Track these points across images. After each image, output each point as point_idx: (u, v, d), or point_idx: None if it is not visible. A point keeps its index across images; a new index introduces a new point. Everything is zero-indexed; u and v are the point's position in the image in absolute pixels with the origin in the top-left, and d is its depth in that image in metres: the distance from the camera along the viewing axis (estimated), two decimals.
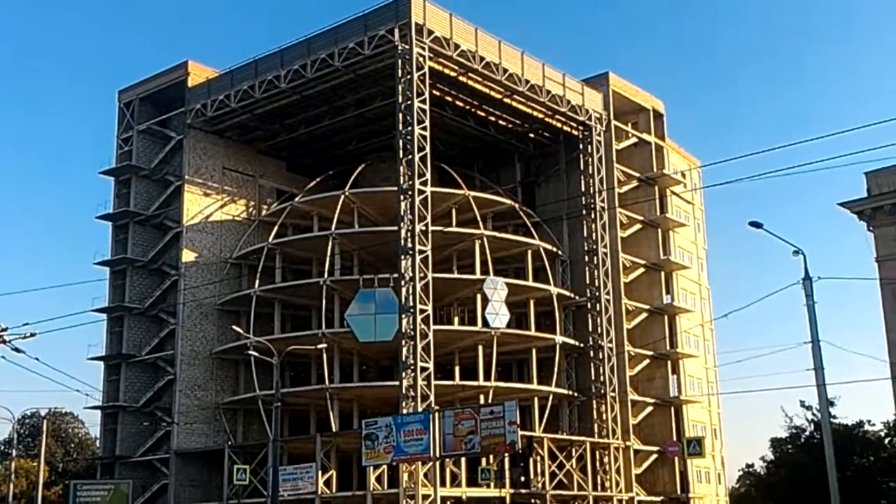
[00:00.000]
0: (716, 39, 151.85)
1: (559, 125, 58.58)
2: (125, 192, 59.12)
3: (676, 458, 52.90)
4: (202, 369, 55.77)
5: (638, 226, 60.98)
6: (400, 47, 48.54)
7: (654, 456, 57.16)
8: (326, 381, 51.37)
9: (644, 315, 59.96)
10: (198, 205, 57.56)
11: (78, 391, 42.13)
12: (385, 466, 45.78)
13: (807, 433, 46.04)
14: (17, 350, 21.98)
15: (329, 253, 53.27)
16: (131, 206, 58.12)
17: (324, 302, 51.81)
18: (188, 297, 55.11)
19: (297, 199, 58.09)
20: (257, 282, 55.03)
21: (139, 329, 57.50)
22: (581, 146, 58.90)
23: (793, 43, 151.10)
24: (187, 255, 56.38)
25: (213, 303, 56.51)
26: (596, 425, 55.12)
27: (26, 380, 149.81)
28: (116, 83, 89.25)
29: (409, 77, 48.35)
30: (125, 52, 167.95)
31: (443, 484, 45.42)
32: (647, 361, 59.31)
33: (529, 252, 56.27)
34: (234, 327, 48.98)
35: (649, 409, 58.49)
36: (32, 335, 22.04)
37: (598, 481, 53.59)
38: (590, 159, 58.12)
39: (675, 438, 55.40)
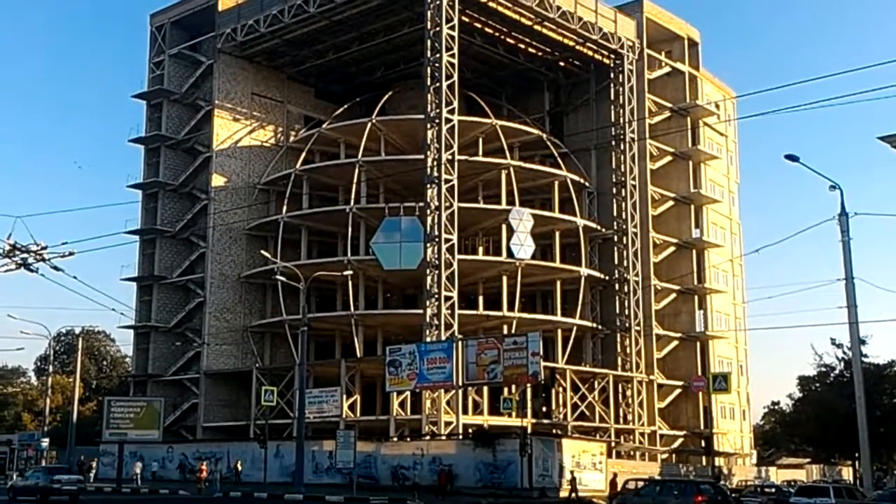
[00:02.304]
0: None
1: (590, 53, 57.30)
2: (157, 116, 59.36)
3: (701, 394, 52.85)
4: (231, 292, 56.74)
5: (668, 158, 60.01)
6: None
7: (678, 391, 57.43)
8: (351, 308, 52.05)
9: (672, 249, 59.50)
10: (227, 130, 57.69)
11: (114, 310, 43.29)
12: (408, 393, 46.66)
13: (836, 371, 46.06)
14: (55, 268, 22.30)
15: (356, 180, 53.32)
16: (163, 130, 58.41)
17: (350, 229, 52.10)
18: (218, 221, 55.74)
19: (324, 125, 57.91)
20: (285, 207, 55.40)
21: (170, 251, 58.44)
22: (612, 75, 57.69)
23: None
24: (217, 180, 56.80)
25: (242, 227, 57.12)
26: (619, 358, 55.37)
27: (60, 298, 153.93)
28: (149, 7, 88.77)
29: (437, 3, 47.43)
30: None
31: (465, 412, 46.21)
32: (673, 296, 59.10)
33: (556, 183, 55.77)
34: (262, 252, 49.59)
35: (674, 343, 58.53)
36: (71, 254, 22.41)
37: (621, 414, 54.11)
38: (621, 89, 56.97)
39: (700, 374, 55.44)
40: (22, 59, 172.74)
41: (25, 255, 21.71)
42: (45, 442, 50.31)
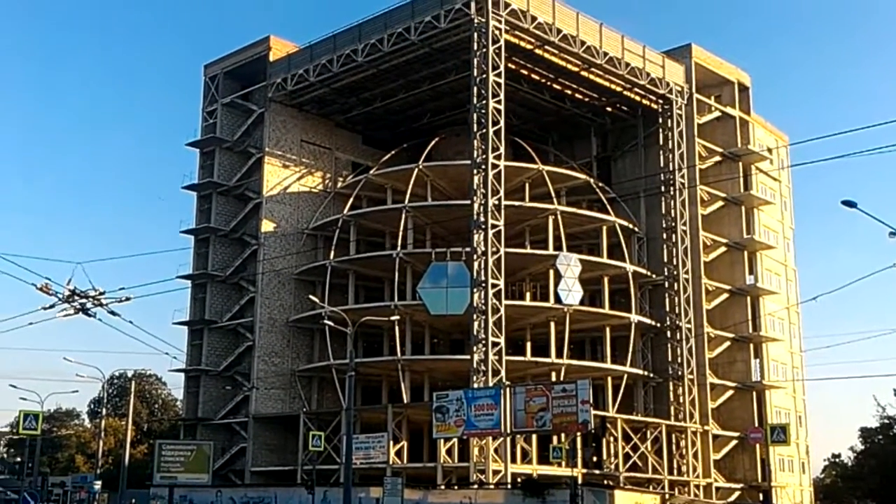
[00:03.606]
0: (804, 8, 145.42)
1: (638, 98, 57.16)
2: (209, 163, 60.58)
3: (758, 445, 51.56)
4: (279, 336, 57.11)
5: (720, 203, 59.20)
6: (476, 21, 48.09)
7: (734, 442, 55.86)
8: (398, 353, 51.92)
9: (725, 296, 58.34)
10: (277, 176, 58.62)
11: (167, 354, 43.65)
12: (455, 440, 46.08)
13: None
14: (112, 313, 22.70)
15: (402, 226, 53.58)
16: (215, 177, 59.54)
17: (396, 274, 52.20)
18: (267, 267, 56.40)
19: (371, 171, 58.52)
20: (332, 253, 55.83)
21: (221, 296, 59.16)
22: (661, 120, 57.41)
23: (887, 10, 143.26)
24: (266, 226, 57.58)
25: (291, 272, 57.65)
26: (672, 408, 54.11)
27: (113, 342, 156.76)
28: (202, 58, 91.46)
29: (484, 50, 47.94)
30: (211, 28, 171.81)
31: (513, 460, 45.46)
32: (727, 344, 57.79)
33: (604, 228, 55.32)
34: (311, 297, 49.90)
35: (729, 393, 57.06)
36: (128, 299, 22.82)
37: (675, 465, 52.71)
38: (670, 134, 56.61)
39: (756, 424, 53.96)
40: (81, 107, 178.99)
41: (84, 301, 22.05)
42: (98, 485, 50.76)
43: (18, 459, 71.77)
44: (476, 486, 42.72)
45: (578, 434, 42.00)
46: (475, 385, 45.37)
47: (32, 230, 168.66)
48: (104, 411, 59.15)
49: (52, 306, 21.76)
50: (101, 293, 22.21)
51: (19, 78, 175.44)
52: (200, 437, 55.97)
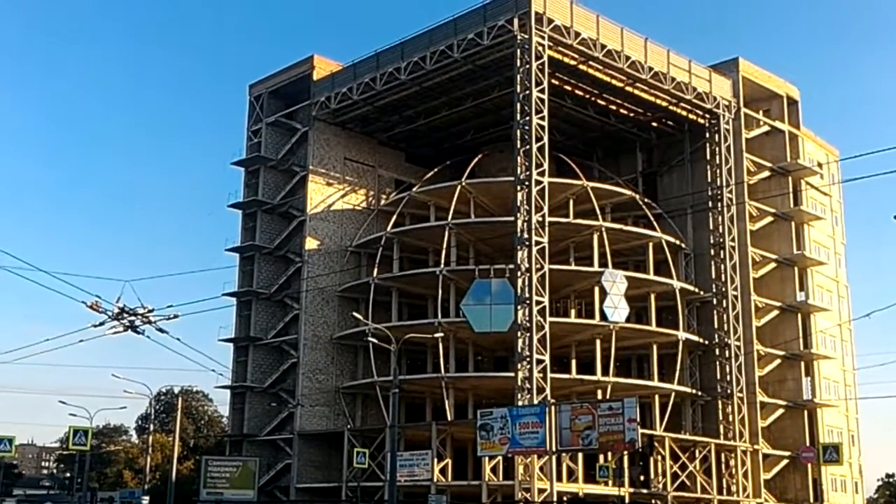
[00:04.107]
0: (856, 21, 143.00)
1: (684, 113, 56.53)
2: (254, 182, 61.20)
3: (810, 465, 50.47)
4: (323, 353, 57.26)
5: (769, 218, 58.16)
6: (519, 37, 48.03)
7: (785, 461, 54.64)
8: (442, 370, 51.69)
9: (775, 313, 57.20)
10: (321, 194, 59.00)
11: (213, 371, 44.08)
12: (500, 458, 45.66)
13: None
14: (161, 330, 23.00)
15: (445, 243, 53.49)
16: (259, 195, 60.12)
17: (440, 291, 52.09)
18: (311, 284, 56.65)
19: (414, 189, 58.62)
20: (376, 270, 55.93)
21: (266, 313, 59.56)
22: (708, 135, 56.69)
23: None
24: (310, 243, 57.91)
25: (334, 289, 57.85)
26: (721, 426, 53.12)
27: (160, 358, 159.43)
28: (248, 78, 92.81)
29: (527, 67, 47.81)
30: (255, 48, 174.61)
31: (559, 479, 44.88)
32: (777, 361, 56.58)
33: (650, 244, 54.65)
34: (354, 314, 49.97)
35: (780, 411, 55.86)
36: (175, 316, 22.98)
37: (724, 485, 51.62)
38: (717, 148, 55.85)
39: (808, 443, 52.81)
40: (129, 126, 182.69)
41: (133, 318, 22.23)
42: (146, 500, 51.18)
43: (68, 474, 72.98)
44: None
45: (625, 452, 41.29)
46: (519, 403, 44.95)
47: (82, 249, 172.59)
48: (151, 427, 59.82)
49: (101, 323, 22.00)
50: (149, 310, 22.40)
51: (64, 99, 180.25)
52: (246, 454, 56.26)
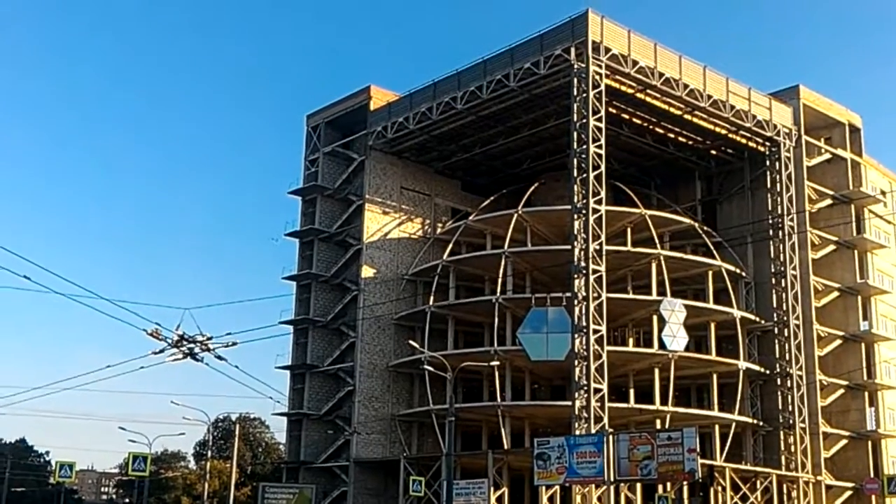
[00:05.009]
0: None
1: (744, 141, 56.07)
2: (311, 210, 62.14)
3: (874, 497, 49.13)
4: (379, 381, 57.50)
5: (831, 247, 57.12)
6: (576, 66, 48.30)
7: (849, 493, 53.21)
8: (498, 399, 51.54)
9: (838, 342, 55.94)
10: (377, 223, 59.62)
11: (270, 398, 44.44)
12: (557, 487, 45.19)
13: None
14: (219, 358, 22.96)
15: (502, 271, 53.56)
16: (316, 224, 60.99)
17: (496, 319, 52.07)
18: (367, 312, 57.04)
19: (470, 217, 58.92)
20: (432, 298, 56.17)
21: (322, 341, 60.13)
22: (768, 163, 56.10)
23: None
24: (367, 272, 58.45)
25: (391, 317, 58.18)
26: (783, 457, 51.99)
27: (217, 385, 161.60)
28: (305, 109, 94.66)
29: (584, 95, 48.00)
30: (313, 79, 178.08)
31: None
32: (841, 392, 55.27)
33: (710, 273, 54.03)
34: (410, 342, 50.18)
35: (843, 442, 54.48)
36: (234, 344, 22.99)
37: None
38: (778, 176, 55.21)
39: (872, 474, 51.45)
40: (189, 156, 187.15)
41: (192, 345, 22.44)
42: None
43: (127, 500, 74.07)
44: None
45: (685, 483, 40.54)
46: (577, 432, 44.55)
47: (140, 278, 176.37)
48: (209, 454, 60.56)
49: (161, 351, 22.07)
50: (208, 338, 22.47)
51: (122, 126, 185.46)
52: (302, 481, 56.57)
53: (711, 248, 55.18)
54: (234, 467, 50.12)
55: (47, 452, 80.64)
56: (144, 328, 21.33)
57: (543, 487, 44.97)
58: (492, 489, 47.09)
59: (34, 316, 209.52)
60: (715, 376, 52.43)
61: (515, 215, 55.08)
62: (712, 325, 53.13)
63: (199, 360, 22.78)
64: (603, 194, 48.29)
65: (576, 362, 46.11)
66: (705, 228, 56.69)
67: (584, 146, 47.71)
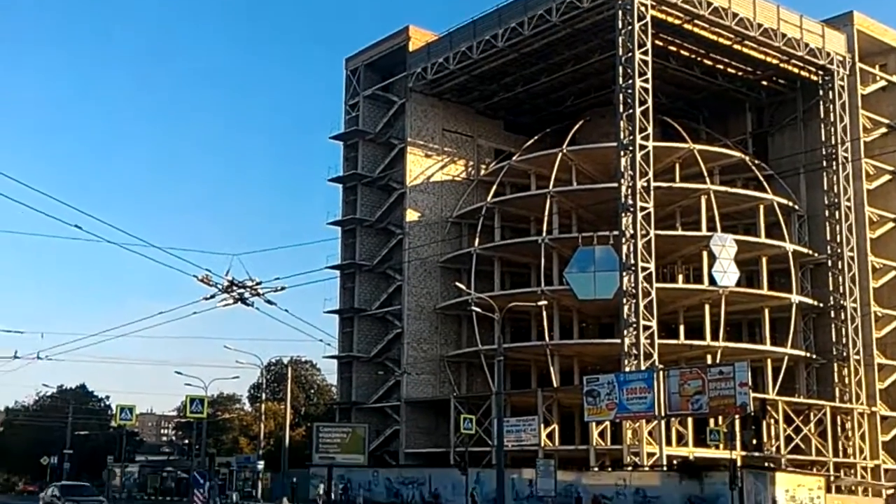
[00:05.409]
0: None
1: (795, 71, 54.40)
2: (353, 155, 62.11)
3: None
4: (427, 323, 58.03)
5: (887, 177, 55.65)
6: None
7: None
8: (546, 338, 51.72)
9: (893, 273, 54.89)
10: (420, 166, 59.45)
11: (321, 341, 45.19)
12: (608, 423, 45.58)
13: None
14: (269, 302, 23.16)
15: (547, 211, 53.23)
16: (359, 168, 60.99)
17: (543, 259, 51.98)
18: (412, 255, 57.32)
19: (514, 158, 58.42)
20: (477, 240, 56.16)
21: (369, 284, 60.70)
22: (821, 92, 54.44)
23: None
24: (411, 215, 58.54)
25: (436, 260, 58.40)
26: (837, 389, 51.59)
27: (267, 330, 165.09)
28: (343, 52, 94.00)
29: (629, 28, 46.85)
30: (350, 21, 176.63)
31: (668, 443, 44.62)
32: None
33: (761, 207, 53.10)
34: (457, 284, 50.42)
35: None
36: (283, 289, 23.20)
37: (840, 448, 50.32)
38: (831, 106, 53.62)
39: None
40: (229, 105, 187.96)
41: (242, 290, 22.62)
42: (261, 465, 53.23)
43: (186, 441, 76.41)
44: (630, 468, 42.14)
45: (737, 417, 40.62)
46: (626, 369, 44.68)
47: (188, 225, 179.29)
48: (263, 396, 62.04)
49: (212, 296, 22.26)
50: (257, 283, 22.67)
51: (167, 80, 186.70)
52: (355, 421, 57.72)
53: (763, 181, 54.09)
54: (287, 409, 51.29)
55: (107, 397, 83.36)
56: (195, 274, 21.47)
57: (594, 423, 45.47)
58: (542, 426, 47.60)
59: (86, 265, 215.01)
60: (767, 311, 51.93)
61: (560, 154, 54.46)
62: (764, 260, 52.38)
63: (249, 305, 23.06)
64: (650, 129, 47.46)
65: (624, 300, 45.97)
66: (756, 161, 55.51)
67: (630, 81, 46.74)
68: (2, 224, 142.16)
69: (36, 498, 60.89)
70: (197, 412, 44.98)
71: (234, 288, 22.53)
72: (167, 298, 67.82)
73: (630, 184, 46.49)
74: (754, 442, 46.28)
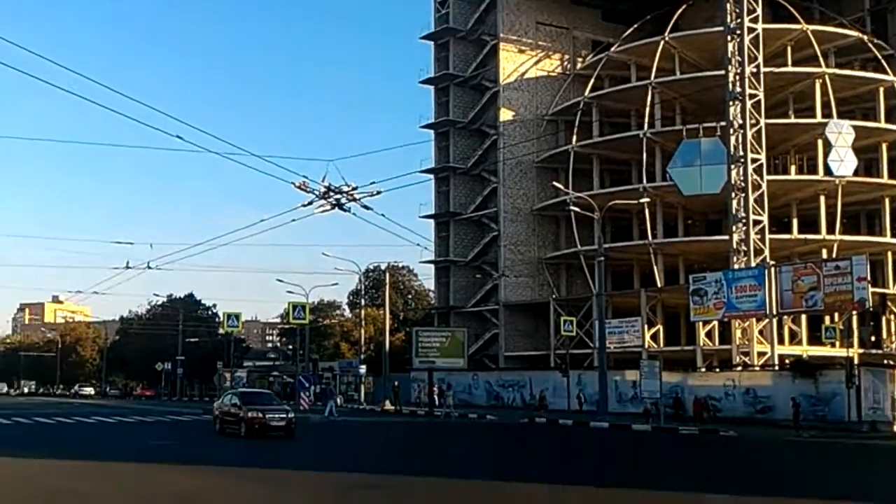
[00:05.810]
0: None
1: None
2: (444, 55, 60.58)
3: None
4: (524, 225, 57.16)
5: None
6: None
7: None
8: (649, 237, 50.16)
9: None
10: (513, 63, 57.53)
11: (418, 245, 45.08)
12: (715, 322, 44.26)
13: None
14: (366, 207, 22.92)
15: (649, 103, 50.93)
16: (450, 68, 59.52)
17: (644, 155, 50.06)
18: (507, 156, 56.14)
19: (612, 49, 55.77)
20: (574, 137, 54.40)
21: (464, 188, 59.95)
22: None
23: None
24: (505, 114, 57.04)
25: (532, 160, 57.03)
26: None
27: (362, 236, 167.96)
28: None
29: None
30: None
31: (780, 342, 43.06)
32: None
33: (881, 89, 49.51)
34: (554, 183, 49.08)
35: None
36: (378, 193, 22.90)
37: None
38: None
39: None
40: (318, 10, 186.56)
41: (339, 196, 22.32)
42: (363, 369, 54.26)
43: (290, 347, 78.63)
44: (740, 368, 40.84)
45: (854, 313, 38.68)
46: (735, 266, 42.87)
47: (287, 133, 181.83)
48: (362, 302, 62.83)
49: (310, 203, 22.10)
50: (353, 188, 22.34)
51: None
52: (453, 325, 57.95)
53: (883, 62, 50.12)
54: (386, 314, 51.81)
55: (214, 305, 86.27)
56: (292, 181, 21.36)
57: (700, 323, 44.31)
58: (645, 327, 46.62)
59: (187, 174, 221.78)
60: (887, 200, 49.25)
61: (662, 42, 51.72)
62: (884, 146, 49.17)
63: (346, 211, 22.85)
64: (759, 11, 44.13)
65: (733, 194, 43.78)
66: (875, 41, 51.46)
67: None
68: (109, 137, 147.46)
69: (154, 402, 64.14)
70: (299, 318, 45.77)
71: (331, 193, 22.32)
72: (266, 207, 68.93)
73: (738, 70, 43.66)
74: (872, 339, 44.07)
